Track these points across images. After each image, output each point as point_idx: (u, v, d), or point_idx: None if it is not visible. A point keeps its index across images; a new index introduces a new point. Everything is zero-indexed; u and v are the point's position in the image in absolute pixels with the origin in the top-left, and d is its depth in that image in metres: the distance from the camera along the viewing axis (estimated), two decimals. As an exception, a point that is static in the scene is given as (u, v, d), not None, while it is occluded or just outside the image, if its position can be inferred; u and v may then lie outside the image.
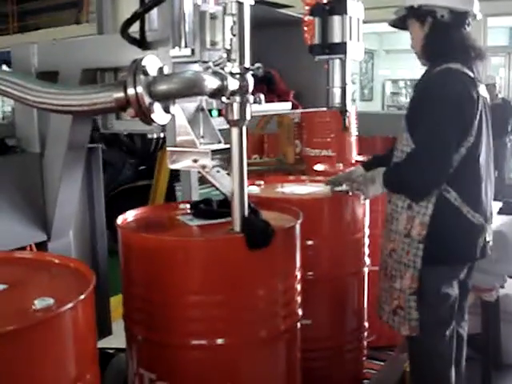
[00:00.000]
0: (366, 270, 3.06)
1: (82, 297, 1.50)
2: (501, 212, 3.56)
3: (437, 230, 2.45)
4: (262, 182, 3.22)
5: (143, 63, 1.76)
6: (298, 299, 2.23)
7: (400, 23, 2.65)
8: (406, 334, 2.55)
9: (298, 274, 2.23)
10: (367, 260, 3.07)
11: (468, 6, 2.50)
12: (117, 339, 2.75)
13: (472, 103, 2.40)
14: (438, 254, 2.46)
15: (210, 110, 2.25)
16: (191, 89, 1.84)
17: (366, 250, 3.06)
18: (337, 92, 2.69)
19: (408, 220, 2.49)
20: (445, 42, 2.48)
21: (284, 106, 2.94)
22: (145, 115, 1.77)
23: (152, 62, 1.82)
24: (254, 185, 3.16)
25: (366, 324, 3.14)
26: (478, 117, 2.42)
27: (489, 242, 2.58)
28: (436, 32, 2.49)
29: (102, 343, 2.61)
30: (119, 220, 2.23)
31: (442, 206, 2.43)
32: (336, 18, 2.57)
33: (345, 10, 2.56)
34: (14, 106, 2.60)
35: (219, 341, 2.00)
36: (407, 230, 2.49)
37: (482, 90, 2.51)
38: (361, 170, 2.85)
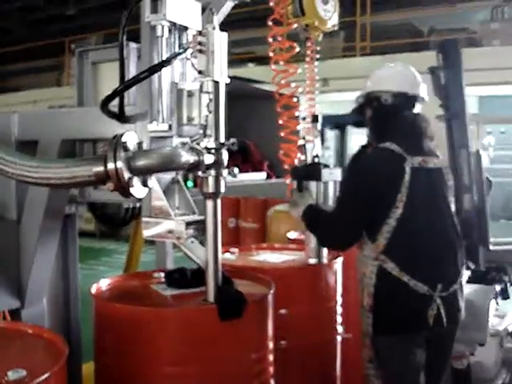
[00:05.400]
0: (338, 338, 3.08)
1: (55, 369, 1.52)
2: (469, 281, 3.62)
3: (381, 300, 2.50)
4: (236, 250, 3.27)
5: (123, 139, 1.83)
6: (271, 369, 2.25)
7: (359, 110, 2.78)
8: None
9: (271, 344, 2.25)
10: (340, 328, 3.09)
11: (411, 90, 2.63)
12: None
13: (385, 178, 2.48)
14: (385, 323, 2.51)
15: (185, 180, 2.31)
16: (169, 164, 1.91)
17: (339, 318, 3.09)
18: None
19: (361, 291, 2.57)
20: (387, 124, 2.61)
21: (258, 176, 3.03)
22: (124, 189, 1.83)
23: (131, 138, 1.89)
24: (228, 252, 3.21)
25: (339, 392, 3.14)
26: (404, 189, 2.45)
27: (440, 312, 2.49)
28: (378, 115, 2.66)
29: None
30: (93, 289, 2.25)
31: (382, 277, 2.49)
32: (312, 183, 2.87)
33: (319, 177, 2.86)
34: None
35: (191, 412, 2.00)
36: (361, 301, 2.57)
37: (431, 162, 2.57)
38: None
